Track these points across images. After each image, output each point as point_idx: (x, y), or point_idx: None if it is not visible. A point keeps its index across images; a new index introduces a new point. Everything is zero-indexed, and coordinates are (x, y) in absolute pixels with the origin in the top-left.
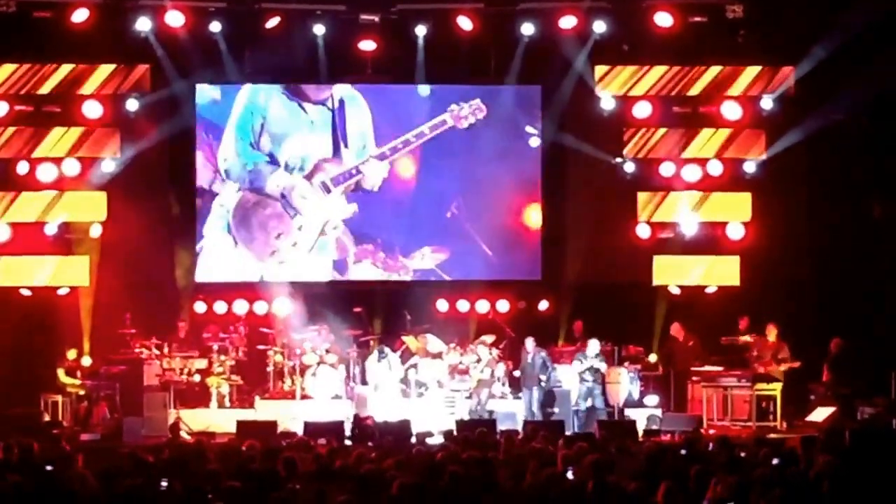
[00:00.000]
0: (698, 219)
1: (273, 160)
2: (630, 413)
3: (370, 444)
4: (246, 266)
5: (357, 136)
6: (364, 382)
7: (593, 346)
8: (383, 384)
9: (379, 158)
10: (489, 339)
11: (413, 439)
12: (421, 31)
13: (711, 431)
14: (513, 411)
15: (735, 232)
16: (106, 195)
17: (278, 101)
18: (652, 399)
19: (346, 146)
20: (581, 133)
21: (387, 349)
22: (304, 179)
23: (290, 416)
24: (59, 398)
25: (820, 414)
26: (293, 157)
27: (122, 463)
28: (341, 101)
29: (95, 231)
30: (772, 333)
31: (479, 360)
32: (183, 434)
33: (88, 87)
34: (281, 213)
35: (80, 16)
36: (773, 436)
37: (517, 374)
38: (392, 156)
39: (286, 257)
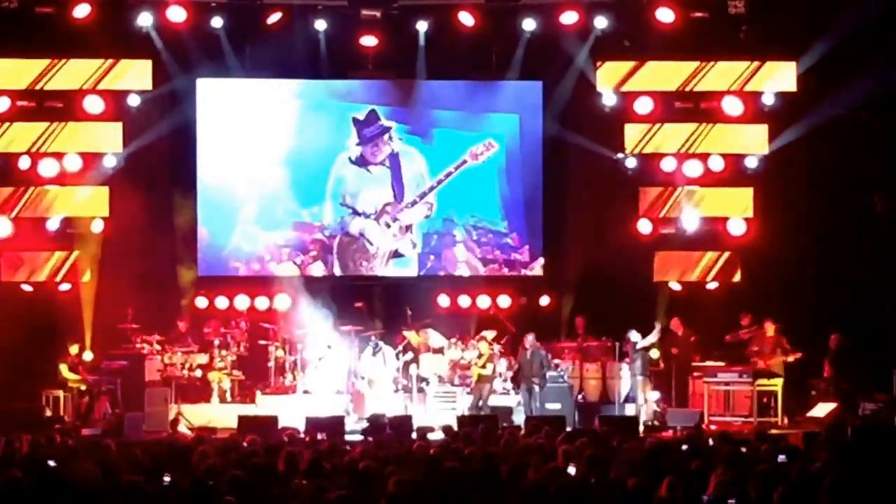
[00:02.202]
0: (700, 214)
1: (354, 211)
2: (631, 408)
3: (370, 438)
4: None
5: (413, 179)
6: (364, 378)
7: (635, 335)
8: (378, 379)
9: (410, 205)
10: (490, 334)
11: (414, 435)
12: (422, 26)
13: (713, 427)
14: (514, 407)
15: (736, 227)
16: (108, 190)
17: (352, 170)
18: (653, 394)
19: (404, 189)
20: (582, 129)
21: (381, 343)
22: (373, 221)
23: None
24: (61, 393)
25: (821, 409)
26: (367, 205)
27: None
28: (396, 155)
29: (97, 226)
30: (770, 329)
31: (480, 356)
32: (184, 429)
33: (90, 83)
34: (363, 248)
35: (81, 11)
36: (774, 431)
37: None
38: (422, 200)
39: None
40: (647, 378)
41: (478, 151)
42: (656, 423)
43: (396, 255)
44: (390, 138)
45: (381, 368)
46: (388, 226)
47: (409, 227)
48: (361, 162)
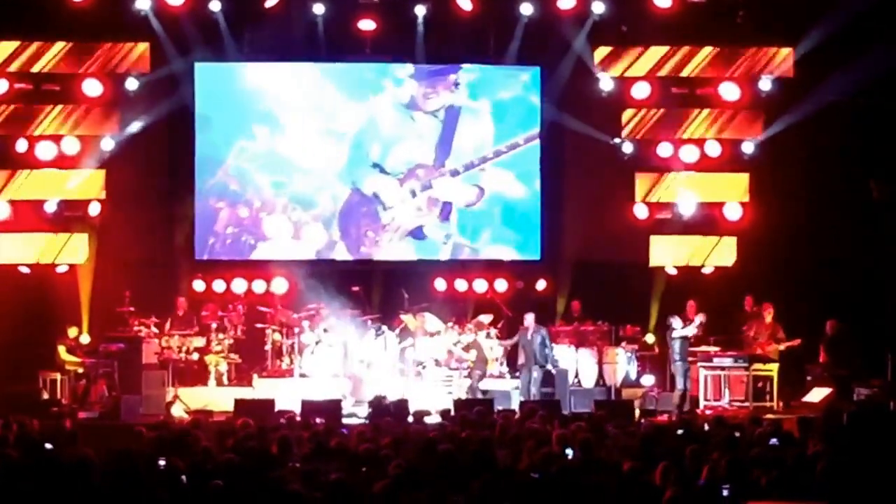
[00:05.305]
0: (696, 199)
1: (375, 165)
2: (627, 393)
3: (366, 421)
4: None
5: (470, 146)
6: (361, 361)
7: (677, 321)
8: (377, 362)
9: (451, 174)
10: (487, 318)
11: (410, 418)
12: (420, 10)
13: (708, 412)
14: (509, 390)
15: (732, 213)
16: (105, 173)
17: (392, 112)
18: (648, 379)
19: (449, 155)
20: (580, 113)
21: (384, 327)
22: (396, 181)
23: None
24: (58, 376)
25: (816, 395)
26: (397, 162)
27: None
28: (455, 109)
29: (94, 209)
30: (768, 314)
31: (476, 340)
32: (179, 412)
33: (88, 66)
34: (374, 214)
35: None
36: (769, 416)
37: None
38: (466, 171)
39: (371, 251)
40: (685, 363)
41: None
42: (687, 408)
43: (417, 234)
44: (456, 85)
45: (381, 352)
46: (412, 194)
47: (446, 209)
48: (409, 105)
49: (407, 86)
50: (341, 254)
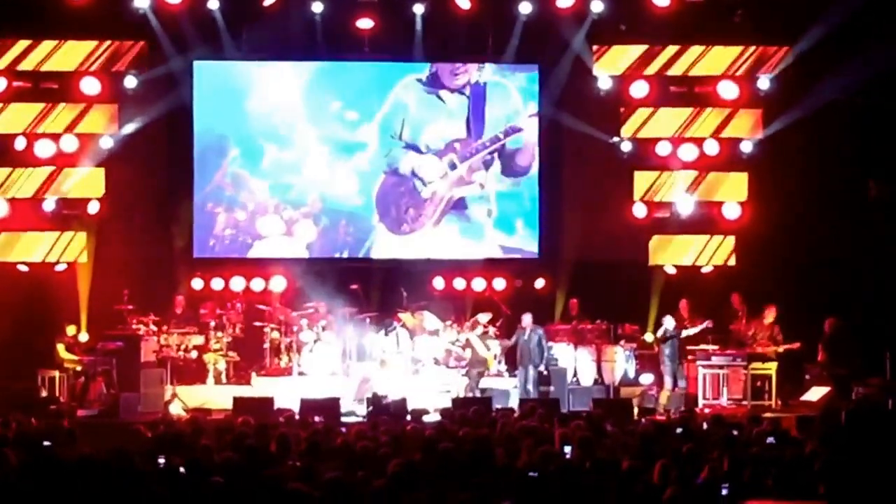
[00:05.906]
0: (694, 198)
1: (409, 146)
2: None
3: (363, 419)
4: (380, 238)
5: (500, 118)
6: (360, 359)
7: (669, 321)
8: (391, 360)
9: (491, 142)
10: (485, 317)
11: (409, 417)
12: (419, 9)
13: (706, 410)
14: (508, 389)
15: (731, 212)
16: (104, 171)
17: (417, 95)
18: (647, 378)
19: (484, 128)
20: (578, 112)
21: (396, 324)
22: (434, 157)
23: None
24: (56, 374)
25: (814, 393)
26: (431, 141)
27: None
28: (481, 86)
29: (93, 207)
30: (770, 315)
31: (468, 339)
32: (177, 410)
33: (87, 64)
34: (412, 189)
35: None
36: (767, 415)
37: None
38: (509, 136)
39: (414, 227)
40: (674, 363)
41: None
42: (682, 408)
43: (460, 206)
44: (481, 64)
45: (394, 349)
46: (452, 166)
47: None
48: (434, 83)
49: (429, 65)
50: (382, 234)
